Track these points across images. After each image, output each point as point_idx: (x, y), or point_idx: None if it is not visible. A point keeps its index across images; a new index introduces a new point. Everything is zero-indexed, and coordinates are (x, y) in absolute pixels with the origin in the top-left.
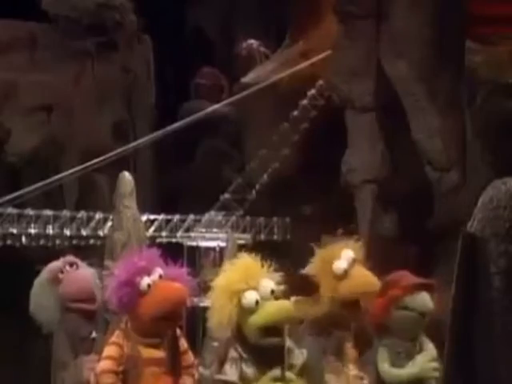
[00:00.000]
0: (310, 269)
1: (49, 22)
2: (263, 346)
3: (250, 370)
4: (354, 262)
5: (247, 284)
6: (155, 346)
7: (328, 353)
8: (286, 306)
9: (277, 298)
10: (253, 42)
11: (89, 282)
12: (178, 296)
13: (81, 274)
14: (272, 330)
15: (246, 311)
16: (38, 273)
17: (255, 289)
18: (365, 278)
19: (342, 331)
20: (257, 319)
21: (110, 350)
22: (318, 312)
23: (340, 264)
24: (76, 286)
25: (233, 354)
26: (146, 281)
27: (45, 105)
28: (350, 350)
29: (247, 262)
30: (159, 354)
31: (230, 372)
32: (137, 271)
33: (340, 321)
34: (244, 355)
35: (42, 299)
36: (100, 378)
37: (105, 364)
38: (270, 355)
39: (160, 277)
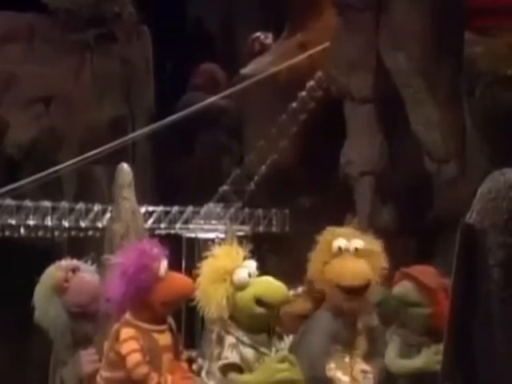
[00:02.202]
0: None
1: (48, 13)
2: (260, 318)
3: (249, 353)
4: (355, 250)
5: (235, 263)
6: (164, 333)
7: (337, 343)
8: (279, 283)
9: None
10: (258, 34)
11: (93, 286)
12: (190, 286)
13: (85, 280)
14: (266, 303)
15: (239, 288)
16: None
17: (243, 267)
18: (353, 268)
19: (348, 320)
20: (255, 289)
21: (131, 345)
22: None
23: (339, 242)
24: (82, 294)
25: (230, 340)
26: (163, 266)
27: (43, 96)
28: (362, 342)
29: (226, 248)
30: (168, 340)
31: (231, 356)
32: (153, 257)
33: (342, 311)
34: (242, 338)
35: (47, 308)
36: (134, 371)
37: (134, 357)
38: (262, 328)
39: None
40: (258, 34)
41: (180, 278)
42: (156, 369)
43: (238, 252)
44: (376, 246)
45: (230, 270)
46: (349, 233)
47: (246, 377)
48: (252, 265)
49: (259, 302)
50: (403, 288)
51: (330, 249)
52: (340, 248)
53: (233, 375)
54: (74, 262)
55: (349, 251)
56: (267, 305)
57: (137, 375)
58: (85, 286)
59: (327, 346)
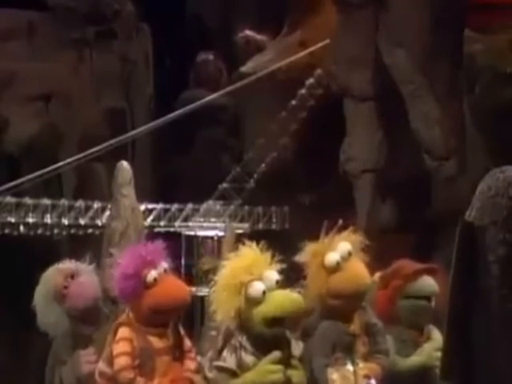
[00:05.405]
0: (301, 258)
1: (47, 10)
2: (267, 337)
3: (249, 359)
4: (349, 255)
5: (252, 275)
6: (163, 335)
7: (337, 350)
8: (295, 297)
9: (281, 288)
10: (249, 32)
11: (92, 290)
12: (182, 294)
13: (83, 286)
14: (278, 320)
15: (251, 302)
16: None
17: (260, 279)
18: (357, 273)
19: (344, 323)
20: (265, 310)
21: (122, 346)
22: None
23: (332, 256)
24: (81, 299)
25: (233, 342)
26: (152, 275)
27: (43, 94)
28: (361, 347)
29: (250, 254)
30: (168, 342)
31: (230, 360)
32: (143, 264)
33: (339, 313)
34: (245, 344)
35: (48, 314)
36: (120, 374)
37: (123, 360)
38: (272, 345)
39: (165, 271)
40: (248, 31)
41: (172, 286)
42: (147, 371)
43: (262, 259)
44: (354, 241)
45: (246, 282)
46: (330, 242)
47: (238, 380)
48: (272, 276)
49: (269, 323)
50: (431, 284)
51: (324, 266)
52: (338, 263)
53: (226, 378)
54: (73, 265)
55: (344, 259)
56: (279, 322)
57: (121, 379)
58: (83, 291)
59: (330, 356)
